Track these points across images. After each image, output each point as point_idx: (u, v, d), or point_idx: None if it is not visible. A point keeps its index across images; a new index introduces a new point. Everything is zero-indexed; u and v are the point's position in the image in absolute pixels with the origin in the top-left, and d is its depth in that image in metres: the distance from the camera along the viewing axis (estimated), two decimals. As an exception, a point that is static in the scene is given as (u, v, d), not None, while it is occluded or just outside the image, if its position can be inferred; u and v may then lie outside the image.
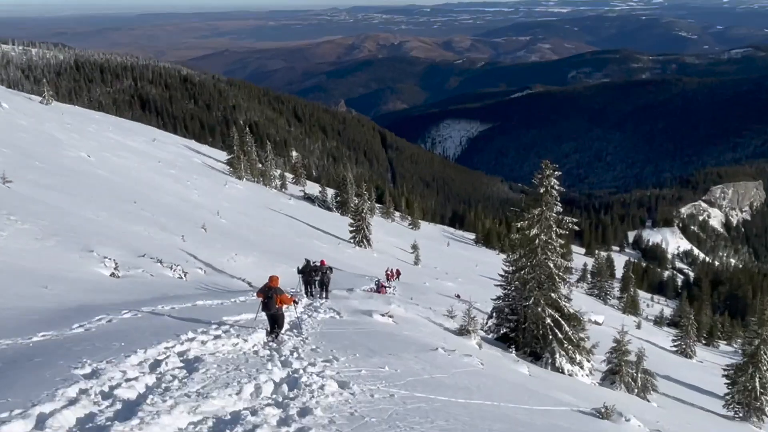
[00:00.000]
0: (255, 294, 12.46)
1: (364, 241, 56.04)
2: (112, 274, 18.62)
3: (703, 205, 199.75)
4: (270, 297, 11.47)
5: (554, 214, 21.55)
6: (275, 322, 11.75)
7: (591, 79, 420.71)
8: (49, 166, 33.37)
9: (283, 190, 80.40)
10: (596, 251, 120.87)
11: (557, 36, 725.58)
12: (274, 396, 7.83)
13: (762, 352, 26.97)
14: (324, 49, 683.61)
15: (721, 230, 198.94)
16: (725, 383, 28.53)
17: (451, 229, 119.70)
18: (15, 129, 42.00)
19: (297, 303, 14.99)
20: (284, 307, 11.87)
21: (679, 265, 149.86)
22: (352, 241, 55.73)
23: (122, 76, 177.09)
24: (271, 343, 11.09)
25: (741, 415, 27.33)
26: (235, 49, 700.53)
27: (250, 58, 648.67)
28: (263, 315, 12.37)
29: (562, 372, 20.63)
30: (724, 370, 29.52)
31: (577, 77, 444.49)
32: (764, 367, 26.97)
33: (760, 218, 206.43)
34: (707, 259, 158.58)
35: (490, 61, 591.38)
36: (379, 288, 25.85)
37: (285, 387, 8.18)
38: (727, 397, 27.97)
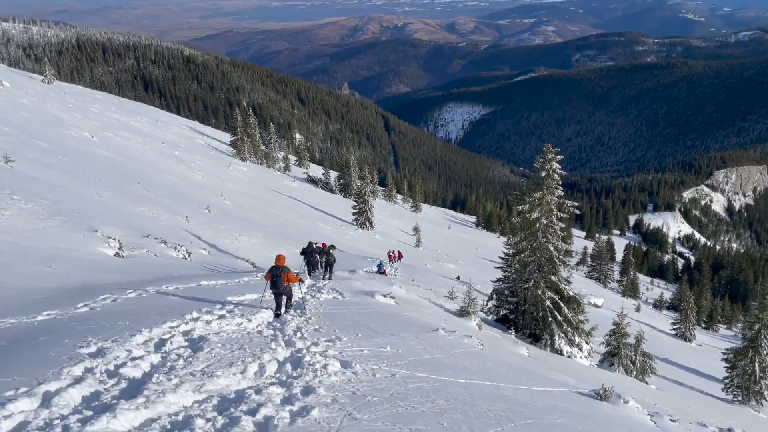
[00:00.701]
0: (264, 277, 12.70)
1: (367, 223, 56.18)
2: (117, 254, 18.68)
3: (706, 189, 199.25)
4: (278, 276, 11.75)
5: (555, 198, 21.58)
6: (285, 297, 12.05)
7: (595, 63, 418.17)
8: (51, 146, 33.33)
9: (287, 172, 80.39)
10: (597, 235, 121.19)
11: (562, 18, 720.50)
12: (277, 375, 7.92)
13: (762, 337, 27.06)
14: (327, 31, 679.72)
15: (724, 215, 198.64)
16: (724, 367, 28.67)
17: (453, 212, 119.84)
18: (17, 108, 41.89)
19: (302, 282, 15.31)
20: (290, 284, 12.13)
21: (679, 249, 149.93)
22: (354, 223, 55.87)
23: (124, 55, 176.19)
24: (275, 323, 11.22)
25: (740, 398, 27.48)
26: (238, 29, 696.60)
27: (253, 39, 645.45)
28: (267, 296, 12.60)
29: (561, 354, 20.78)
30: (724, 353, 29.63)
31: (581, 60, 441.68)
32: (764, 352, 27.07)
33: (764, 203, 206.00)
34: (708, 243, 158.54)
35: (493, 44, 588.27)
36: (381, 269, 25.94)
37: (288, 366, 8.28)
38: (726, 381, 28.10)
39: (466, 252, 64.88)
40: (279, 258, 12.07)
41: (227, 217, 35.82)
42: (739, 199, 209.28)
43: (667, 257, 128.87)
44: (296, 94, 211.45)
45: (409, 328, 13.27)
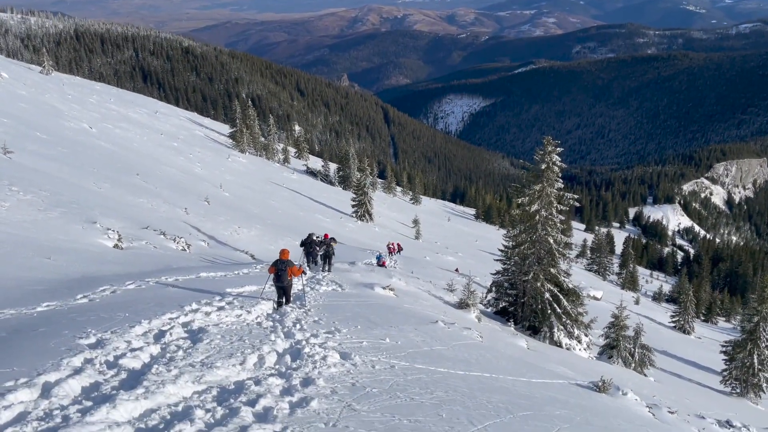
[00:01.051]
0: (267, 270, 12.84)
1: (366, 215, 56.20)
2: (116, 246, 18.67)
3: (706, 182, 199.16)
4: (283, 270, 11.86)
5: (555, 190, 21.54)
6: (286, 293, 12.14)
7: (596, 55, 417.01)
8: (50, 137, 33.26)
9: (286, 164, 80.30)
10: (596, 227, 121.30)
11: (562, 10, 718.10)
12: (277, 366, 7.93)
13: (761, 329, 27.12)
14: (326, 22, 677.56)
15: (723, 207, 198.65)
16: (723, 359, 28.73)
17: (452, 205, 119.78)
18: (15, 99, 41.78)
19: (304, 273, 15.64)
20: (293, 278, 12.19)
21: (679, 241, 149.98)
22: (354, 215, 55.87)
23: (123, 46, 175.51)
24: (274, 315, 11.24)
25: (738, 390, 27.56)
26: (237, 20, 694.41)
27: (251, 30, 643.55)
28: (267, 287, 12.65)
29: (560, 346, 20.80)
30: (723, 346, 29.70)
31: (581, 52, 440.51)
32: (763, 344, 27.13)
33: (764, 195, 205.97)
34: (708, 236, 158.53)
35: (493, 36, 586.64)
36: (381, 261, 25.93)
37: (288, 358, 8.29)
38: (725, 373, 28.17)
39: (466, 244, 64.90)
40: (283, 252, 12.18)
41: (226, 209, 35.80)
42: (739, 192, 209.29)
43: (666, 250, 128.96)
44: (295, 86, 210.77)
45: (408, 320, 13.29)
